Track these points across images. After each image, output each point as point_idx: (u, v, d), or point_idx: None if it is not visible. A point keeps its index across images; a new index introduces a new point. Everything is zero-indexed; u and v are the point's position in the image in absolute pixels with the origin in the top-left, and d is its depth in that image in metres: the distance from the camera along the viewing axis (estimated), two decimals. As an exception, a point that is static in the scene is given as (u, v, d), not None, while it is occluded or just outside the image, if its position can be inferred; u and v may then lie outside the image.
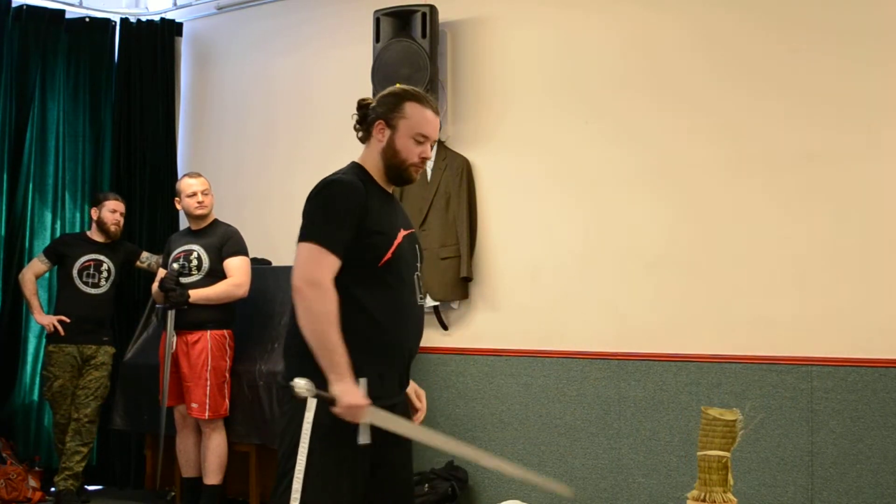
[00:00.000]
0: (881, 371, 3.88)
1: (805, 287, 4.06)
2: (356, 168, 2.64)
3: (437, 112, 2.65)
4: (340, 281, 2.48)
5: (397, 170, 2.61)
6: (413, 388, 2.74)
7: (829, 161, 4.04)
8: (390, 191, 2.69)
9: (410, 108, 2.59)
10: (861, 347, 3.93)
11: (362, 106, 2.66)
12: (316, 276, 2.42)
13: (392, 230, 2.57)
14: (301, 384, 2.39)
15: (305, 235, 2.49)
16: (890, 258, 3.92)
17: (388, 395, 2.54)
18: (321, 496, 2.41)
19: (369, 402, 2.40)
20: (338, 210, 2.48)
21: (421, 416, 2.74)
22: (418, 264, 2.68)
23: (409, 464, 2.67)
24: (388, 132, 2.59)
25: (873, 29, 3.97)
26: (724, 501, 2.63)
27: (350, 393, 2.38)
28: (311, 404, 2.44)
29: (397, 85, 4.43)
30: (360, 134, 2.69)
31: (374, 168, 2.63)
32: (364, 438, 2.41)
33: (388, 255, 2.52)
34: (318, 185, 2.55)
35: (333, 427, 2.42)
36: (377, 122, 2.60)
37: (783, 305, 4.09)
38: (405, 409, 2.67)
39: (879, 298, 3.92)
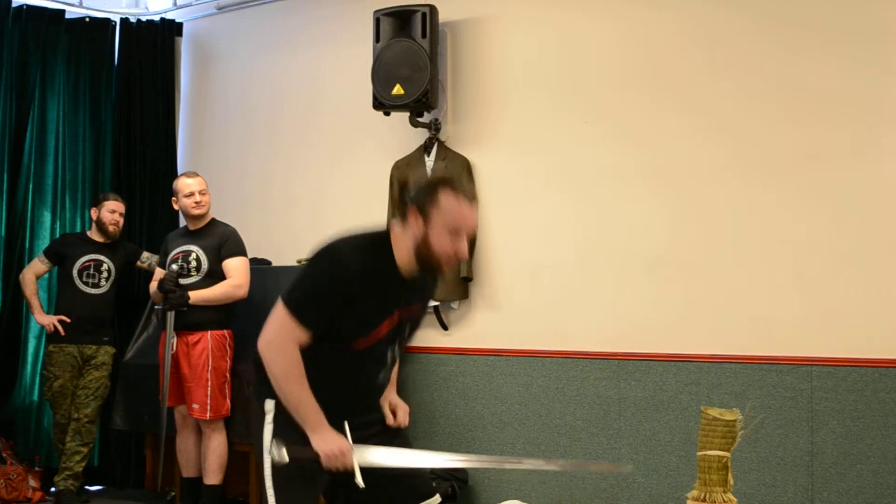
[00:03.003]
0: (881, 371, 3.88)
1: (805, 287, 4.06)
2: (381, 243, 2.51)
3: (472, 202, 2.49)
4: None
5: (429, 263, 2.47)
6: (395, 402, 2.70)
7: (829, 161, 4.04)
8: (415, 273, 2.52)
9: (445, 199, 2.43)
10: (861, 347, 3.93)
11: (402, 185, 2.63)
12: (276, 339, 2.43)
13: (380, 318, 2.49)
14: (278, 452, 2.39)
15: (286, 298, 2.45)
16: (890, 258, 3.92)
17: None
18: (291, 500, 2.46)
19: (349, 445, 2.39)
20: (325, 288, 2.44)
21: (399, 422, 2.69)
22: (397, 346, 2.60)
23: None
24: (421, 222, 2.44)
25: (873, 29, 3.97)
26: (724, 501, 2.63)
27: (327, 441, 2.38)
28: (270, 408, 2.47)
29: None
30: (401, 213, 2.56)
31: (404, 251, 2.49)
32: (360, 482, 2.38)
33: (365, 344, 2.49)
34: (324, 247, 2.48)
35: (292, 434, 2.44)
36: (411, 207, 2.46)
37: (783, 305, 4.09)
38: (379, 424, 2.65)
39: (879, 298, 3.92)
